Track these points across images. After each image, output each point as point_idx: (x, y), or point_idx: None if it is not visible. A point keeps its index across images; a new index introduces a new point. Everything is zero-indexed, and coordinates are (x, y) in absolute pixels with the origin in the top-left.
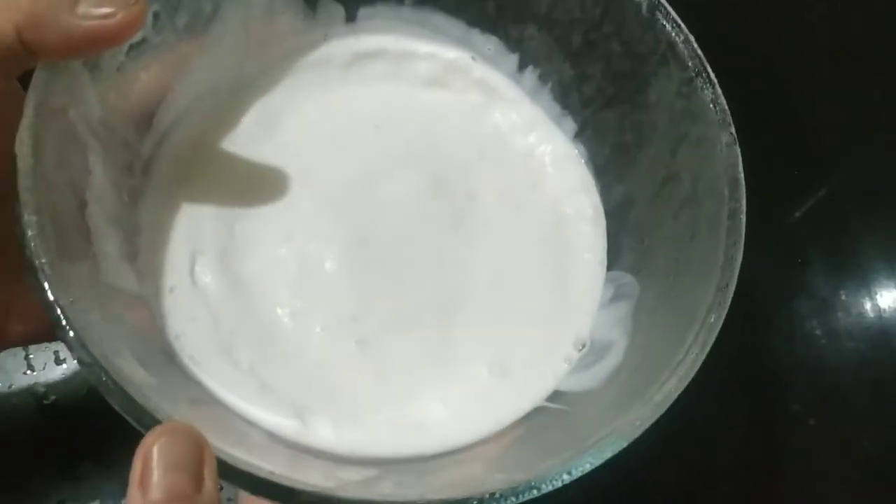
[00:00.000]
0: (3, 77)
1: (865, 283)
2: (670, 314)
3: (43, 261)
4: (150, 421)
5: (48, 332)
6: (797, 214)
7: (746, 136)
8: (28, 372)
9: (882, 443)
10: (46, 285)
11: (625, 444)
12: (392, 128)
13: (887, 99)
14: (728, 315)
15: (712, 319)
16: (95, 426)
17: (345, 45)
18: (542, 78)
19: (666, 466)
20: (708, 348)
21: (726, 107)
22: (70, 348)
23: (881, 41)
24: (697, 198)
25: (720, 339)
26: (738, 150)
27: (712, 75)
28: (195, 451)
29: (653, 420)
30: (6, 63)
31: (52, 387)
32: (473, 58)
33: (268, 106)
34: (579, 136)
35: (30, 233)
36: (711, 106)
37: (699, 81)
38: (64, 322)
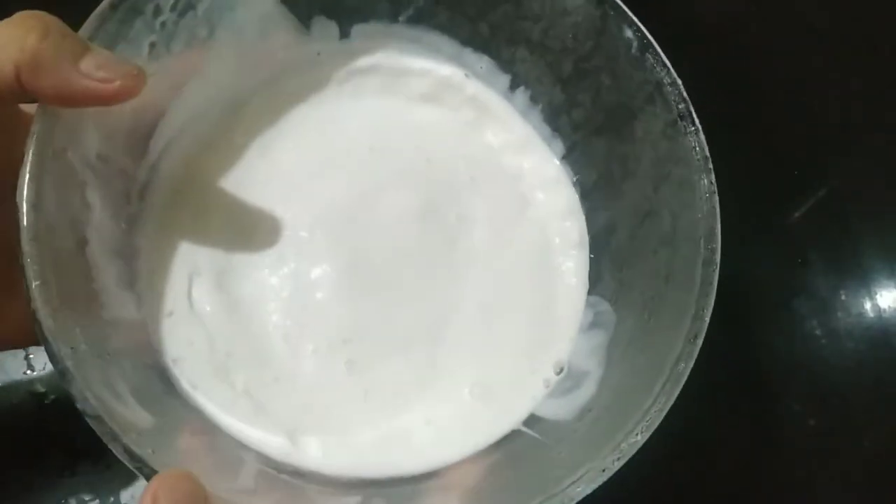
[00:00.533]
0: None
1: (865, 283)
2: (642, 354)
3: (46, 313)
4: (149, 472)
5: (34, 337)
6: (797, 214)
7: (747, 137)
8: (28, 372)
9: (882, 443)
10: (51, 339)
11: (590, 491)
12: (386, 148)
13: (887, 99)
14: (729, 314)
15: (680, 369)
16: None
17: (339, 61)
18: (533, 99)
19: (666, 466)
20: (675, 397)
21: (708, 153)
22: (74, 400)
23: (881, 41)
24: (676, 239)
25: (721, 338)
26: (717, 199)
27: (697, 121)
28: (197, 491)
29: (616, 469)
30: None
31: (52, 387)
32: (467, 75)
33: (262, 126)
34: (567, 157)
35: (34, 285)
36: (693, 152)
37: (683, 125)
38: (68, 376)
